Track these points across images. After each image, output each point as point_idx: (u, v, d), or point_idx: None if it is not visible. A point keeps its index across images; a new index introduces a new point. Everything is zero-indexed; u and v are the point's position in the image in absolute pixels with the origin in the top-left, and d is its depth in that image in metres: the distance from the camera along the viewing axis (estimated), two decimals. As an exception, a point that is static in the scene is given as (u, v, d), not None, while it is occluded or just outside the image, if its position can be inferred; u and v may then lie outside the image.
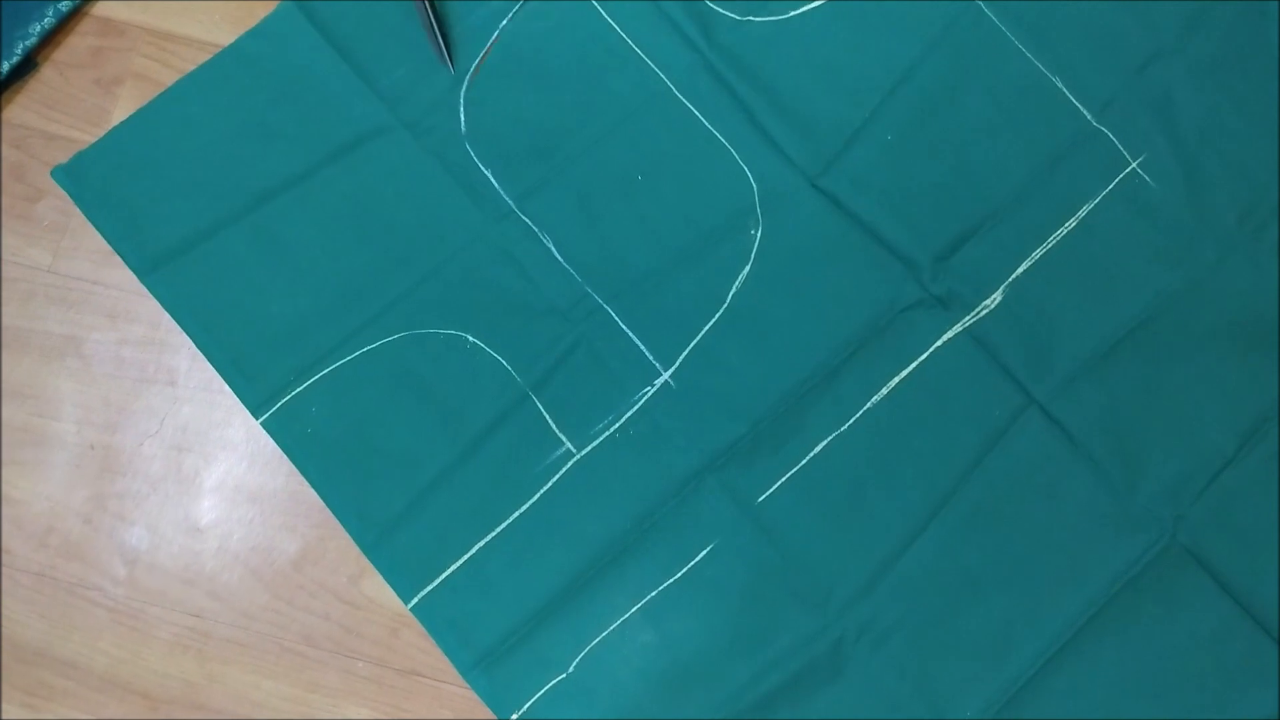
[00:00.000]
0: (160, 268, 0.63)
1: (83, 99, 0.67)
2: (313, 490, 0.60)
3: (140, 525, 0.60)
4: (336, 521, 0.60)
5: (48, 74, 0.67)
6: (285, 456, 0.61)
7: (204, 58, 0.67)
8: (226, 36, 0.67)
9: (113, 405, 0.62)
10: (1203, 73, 0.70)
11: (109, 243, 0.63)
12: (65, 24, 0.67)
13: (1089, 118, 0.70)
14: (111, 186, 0.64)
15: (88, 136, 0.65)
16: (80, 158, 0.64)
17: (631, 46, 0.69)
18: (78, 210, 0.63)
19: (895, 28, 0.71)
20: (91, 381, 0.62)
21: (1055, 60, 0.70)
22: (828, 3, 0.72)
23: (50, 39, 0.67)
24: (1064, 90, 0.70)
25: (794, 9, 0.72)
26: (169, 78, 0.67)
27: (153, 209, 0.64)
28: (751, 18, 0.71)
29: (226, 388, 0.61)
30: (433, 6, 0.66)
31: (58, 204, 0.64)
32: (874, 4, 0.71)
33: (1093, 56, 0.71)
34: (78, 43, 0.68)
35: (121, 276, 0.63)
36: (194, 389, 0.62)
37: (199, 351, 0.62)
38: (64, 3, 0.67)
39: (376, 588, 0.60)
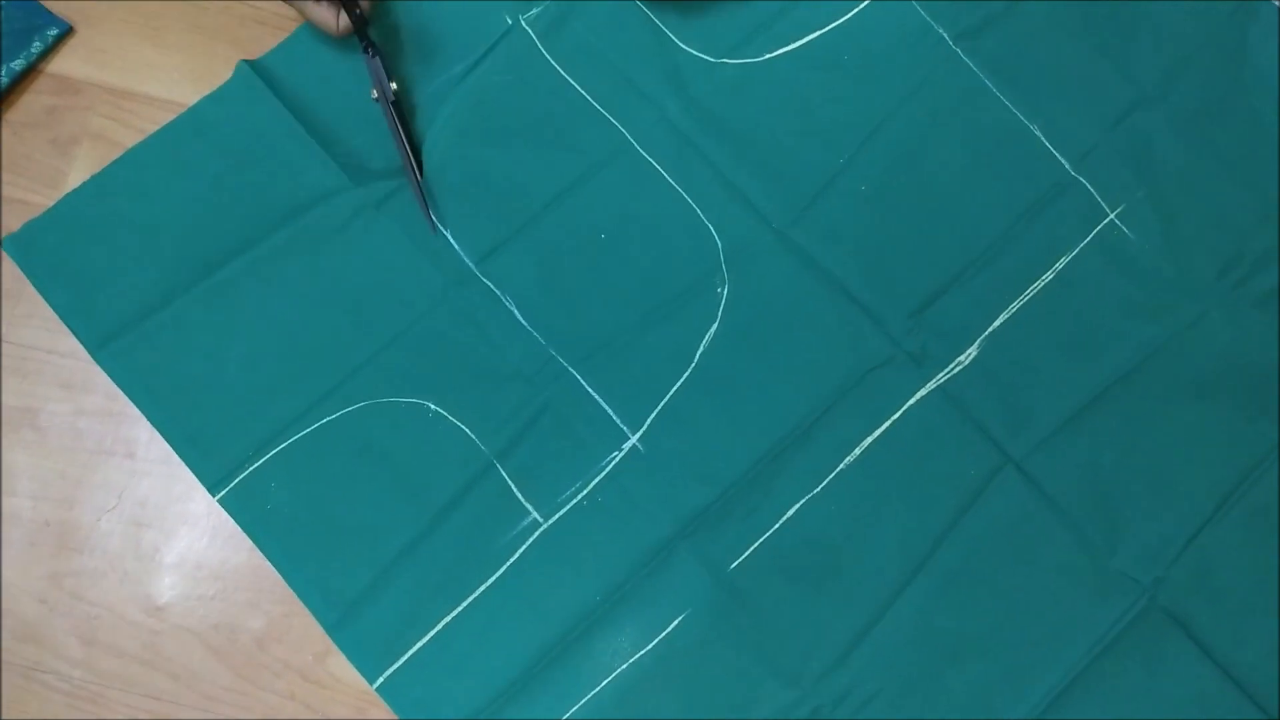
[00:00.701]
0: (112, 342, 0.61)
1: (38, 160, 0.65)
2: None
3: (98, 604, 0.59)
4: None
5: (1, 134, 0.66)
6: (248, 535, 0.60)
7: (163, 116, 0.65)
8: (186, 94, 0.66)
9: (69, 479, 0.60)
10: (1182, 124, 0.69)
11: (60, 316, 0.61)
12: (20, 82, 0.66)
13: (1067, 167, 0.68)
14: (63, 257, 0.62)
15: (43, 199, 0.64)
16: (30, 227, 0.63)
17: (591, 103, 0.68)
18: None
19: (873, 73, 0.70)
20: (47, 454, 0.61)
21: (1034, 108, 0.69)
22: (804, 46, 0.70)
23: (4, 98, 0.66)
24: (1042, 138, 0.69)
25: (770, 51, 0.70)
26: (127, 137, 0.65)
27: (105, 279, 0.62)
28: (726, 60, 0.70)
29: (189, 469, 0.60)
30: (419, 167, 0.65)
31: (11, 269, 0.62)
32: (852, 48, 0.70)
33: (1072, 105, 0.69)
34: (33, 101, 0.66)
35: (78, 345, 0.61)
36: (154, 461, 0.61)
37: (157, 424, 0.61)
38: (17, 61, 0.66)
39: (342, 666, 0.59)
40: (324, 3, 0.62)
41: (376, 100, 0.64)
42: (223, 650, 0.59)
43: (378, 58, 0.64)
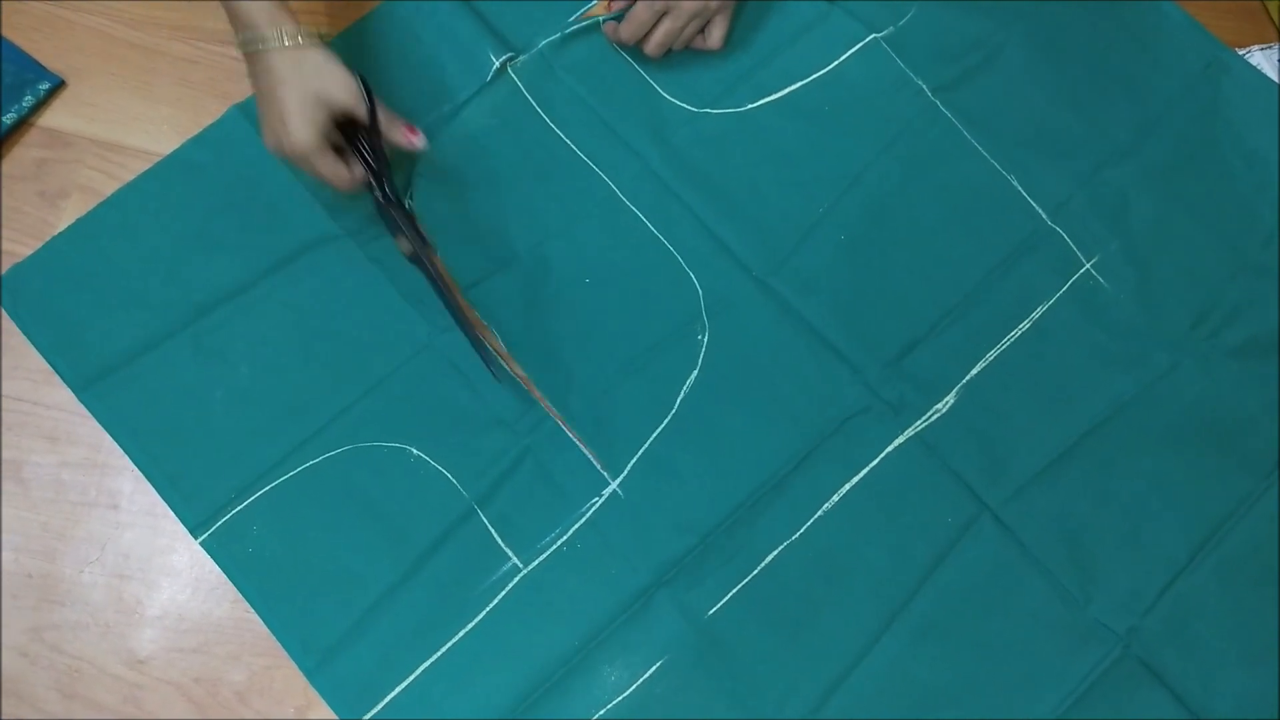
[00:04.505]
0: (97, 383, 0.62)
1: (27, 212, 0.66)
2: (259, 618, 0.59)
3: (79, 657, 0.59)
4: (282, 650, 0.59)
5: (-8, 187, 0.67)
6: (230, 582, 0.60)
7: (151, 170, 0.66)
8: (174, 147, 0.67)
9: (52, 531, 0.61)
10: (1156, 176, 0.70)
11: (44, 358, 0.62)
12: (10, 135, 0.67)
13: (1044, 217, 0.69)
14: (48, 299, 0.63)
15: (31, 251, 0.64)
16: (16, 270, 0.63)
17: (575, 151, 0.69)
18: (17, 328, 0.63)
19: (853, 124, 0.71)
20: (30, 507, 0.61)
21: (1011, 159, 0.70)
22: (785, 97, 0.71)
23: (-5, 151, 0.67)
24: (1019, 189, 0.70)
25: (752, 102, 0.71)
26: (116, 190, 0.66)
27: (91, 322, 0.63)
28: (709, 110, 0.71)
29: (172, 511, 0.60)
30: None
31: (-2, 324, 0.63)
32: (832, 100, 0.71)
33: (1048, 157, 0.71)
34: (23, 154, 0.67)
35: (62, 397, 0.62)
36: (137, 513, 0.61)
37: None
38: (9, 114, 0.67)
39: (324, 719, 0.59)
40: (333, 156, 0.57)
41: (411, 258, 0.60)
42: (204, 704, 0.59)
43: (400, 210, 0.58)
